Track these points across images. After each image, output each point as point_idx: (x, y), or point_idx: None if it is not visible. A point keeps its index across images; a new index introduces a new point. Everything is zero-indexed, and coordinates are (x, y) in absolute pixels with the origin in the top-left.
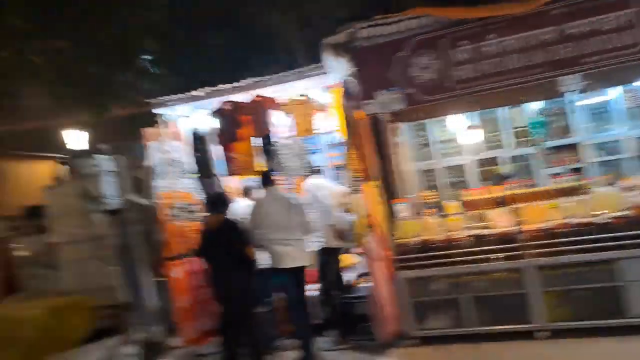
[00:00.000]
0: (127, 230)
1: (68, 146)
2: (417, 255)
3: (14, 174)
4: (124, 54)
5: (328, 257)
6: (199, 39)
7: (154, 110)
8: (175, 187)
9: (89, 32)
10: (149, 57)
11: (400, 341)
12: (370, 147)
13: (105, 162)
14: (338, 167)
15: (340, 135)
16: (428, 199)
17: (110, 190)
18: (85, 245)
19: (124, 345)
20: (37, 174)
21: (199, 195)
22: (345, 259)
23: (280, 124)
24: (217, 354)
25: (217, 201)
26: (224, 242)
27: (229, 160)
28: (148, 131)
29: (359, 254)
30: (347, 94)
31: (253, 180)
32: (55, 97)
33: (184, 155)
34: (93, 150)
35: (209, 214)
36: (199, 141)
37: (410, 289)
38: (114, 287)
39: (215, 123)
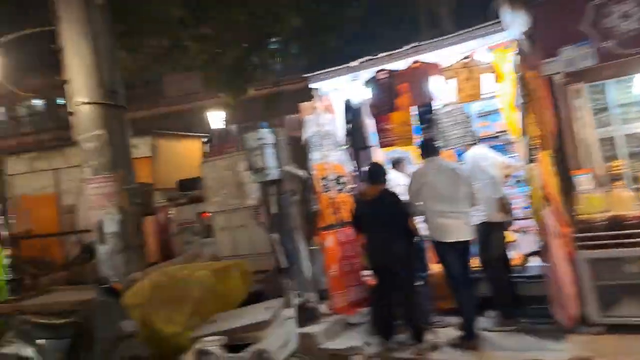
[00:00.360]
0: (284, 200)
1: (212, 126)
2: (605, 233)
3: (167, 152)
4: (267, 33)
5: (490, 232)
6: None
7: (309, 85)
8: (328, 159)
9: (232, 14)
10: (291, 36)
11: (582, 328)
12: (549, 112)
13: (267, 135)
14: (492, 137)
15: (503, 100)
16: (615, 170)
17: (271, 162)
18: (238, 214)
19: (285, 308)
20: (186, 151)
21: (350, 168)
22: (507, 236)
23: (440, 91)
24: (366, 324)
25: (377, 171)
26: (384, 212)
27: (382, 131)
28: (304, 105)
29: (529, 230)
30: (522, 53)
31: (402, 152)
32: (205, 80)
33: (337, 127)
34: (257, 124)
35: (367, 184)
36: (352, 113)
37: (594, 271)
38: (265, 254)
39: (369, 94)
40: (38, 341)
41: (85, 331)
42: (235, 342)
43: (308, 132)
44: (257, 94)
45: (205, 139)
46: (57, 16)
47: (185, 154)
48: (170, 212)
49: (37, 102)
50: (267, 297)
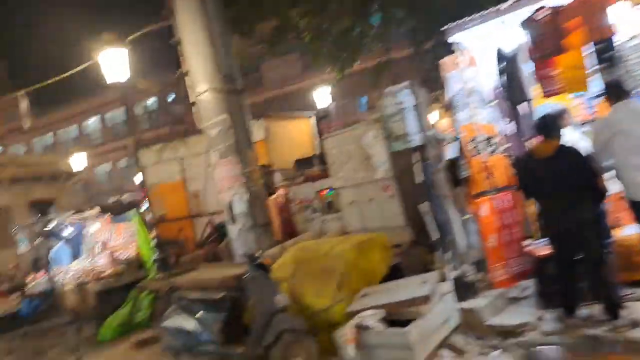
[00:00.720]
0: (429, 167)
1: (319, 104)
2: None
3: (279, 134)
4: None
5: None
6: None
7: (449, 39)
8: (476, 118)
9: None
10: None
11: None
12: None
13: (407, 98)
14: None
15: None
16: None
17: (413, 127)
18: (366, 188)
19: (441, 282)
20: (297, 132)
21: (504, 125)
22: None
23: (624, 22)
24: (530, 297)
25: (551, 124)
26: (563, 172)
27: (545, 78)
28: (445, 61)
29: None
30: None
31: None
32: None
33: (484, 82)
34: (395, 88)
35: (539, 140)
36: (505, 62)
37: None
38: (397, 227)
39: (525, 38)
40: (197, 315)
41: (240, 305)
42: (393, 317)
43: (451, 91)
44: (363, 67)
45: (316, 117)
46: (173, 10)
47: (295, 135)
48: (288, 191)
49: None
50: (405, 271)
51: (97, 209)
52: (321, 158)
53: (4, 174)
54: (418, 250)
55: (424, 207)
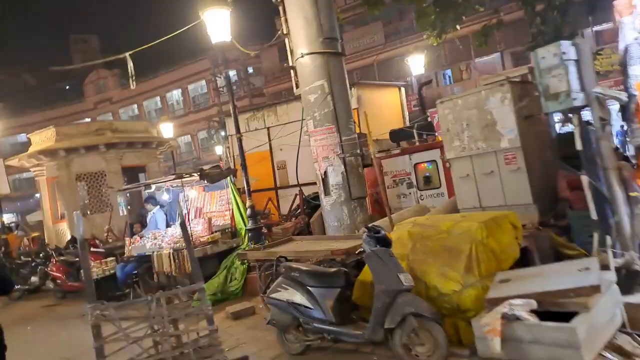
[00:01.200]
0: (592, 132)
1: (413, 72)
2: None
3: (370, 103)
4: None
5: None
6: None
7: None
8: None
9: None
10: None
11: None
12: None
13: (569, 49)
14: None
15: None
16: None
17: (575, 84)
18: (485, 159)
19: (602, 270)
20: (388, 101)
21: None
22: None
23: None
24: None
25: None
26: None
27: None
28: (619, 3)
29: None
30: None
31: None
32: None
33: None
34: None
35: None
36: None
37: None
38: (523, 205)
39: None
40: (308, 289)
41: (357, 282)
42: (546, 309)
43: (626, 40)
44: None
45: (419, 83)
46: None
47: (386, 104)
48: (381, 164)
49: (232, 73)
50: (533, 255)
51: (196, 175)
52: (423, 128)
53: (102, 139)
54: (547, 233)
55: (585, 178)
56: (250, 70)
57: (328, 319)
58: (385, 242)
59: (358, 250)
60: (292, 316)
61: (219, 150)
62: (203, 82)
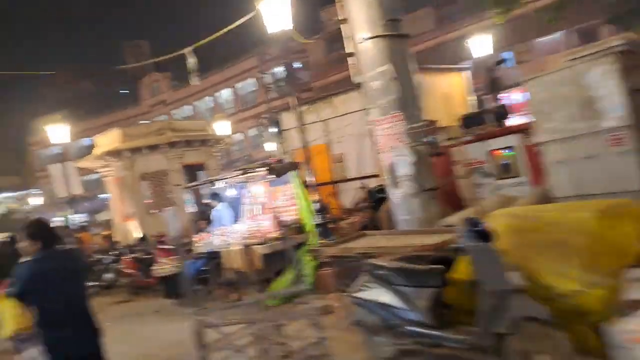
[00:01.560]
0: None
1: (475, 54)
2: None
3: (432, 87)
4: None
5: None
6: None
7: None
8: None
9: None
10: None
11: None
12: None
13: None
14: None
15: None
16: None
17: None
18: (584, 142)
19: None
20: (450, 86)
21: None
22: None
23: None
24: None
25: None
26: None
27: None
28: None
29: None
30: None
31: None
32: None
33: None
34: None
35: None
36: None
37: None
38: (631, 193)
39: None
40: (399, 288)
41: (454, 281)
42: None
43: None
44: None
45: (492, 65)
46: None
47: (449, 89)
48: (452, 152)
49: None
50: None
51: (263, 170)
52: (495, 113)
53: (163, 139)
54: None
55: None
56: (297, 65)
57: (425, 322)
58: (485, 237)
59: (452, 246)
60: (380, 317)
61: (268, 147)
62: (250, 80)
